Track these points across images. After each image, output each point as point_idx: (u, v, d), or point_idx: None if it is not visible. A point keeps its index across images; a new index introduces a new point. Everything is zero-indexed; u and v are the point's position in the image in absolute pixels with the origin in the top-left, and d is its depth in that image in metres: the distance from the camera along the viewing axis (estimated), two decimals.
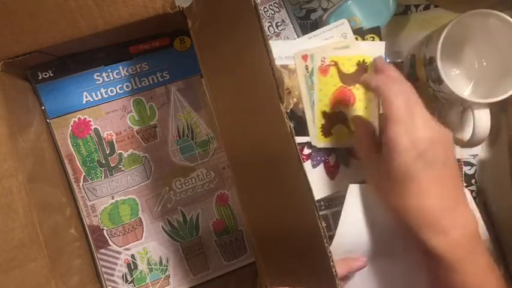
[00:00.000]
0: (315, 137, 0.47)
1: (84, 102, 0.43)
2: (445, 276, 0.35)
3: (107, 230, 0.44)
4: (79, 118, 0.43)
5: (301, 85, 0.47)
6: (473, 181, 0.53)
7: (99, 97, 0.43)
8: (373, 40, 0.47)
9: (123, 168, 0.44)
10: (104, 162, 0.44)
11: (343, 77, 0.47)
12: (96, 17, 0.35)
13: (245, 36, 0.30)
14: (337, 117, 0.47)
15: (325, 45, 0.47)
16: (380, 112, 0.46)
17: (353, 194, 0.44)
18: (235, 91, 0.33)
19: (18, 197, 0.35)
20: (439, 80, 0.43)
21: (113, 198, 0.44)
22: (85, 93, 0.43)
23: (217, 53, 0.34)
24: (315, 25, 0.52)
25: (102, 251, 0.44)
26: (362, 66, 0.46)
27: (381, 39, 0.47)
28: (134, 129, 0.44)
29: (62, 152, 0.43)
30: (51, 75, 0.42)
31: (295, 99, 0.47)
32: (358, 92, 0.47)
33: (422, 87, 0.47)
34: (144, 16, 0.35)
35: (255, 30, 0.27)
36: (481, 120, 0.43)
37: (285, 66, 0.47)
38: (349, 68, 0.47)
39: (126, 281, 0.45)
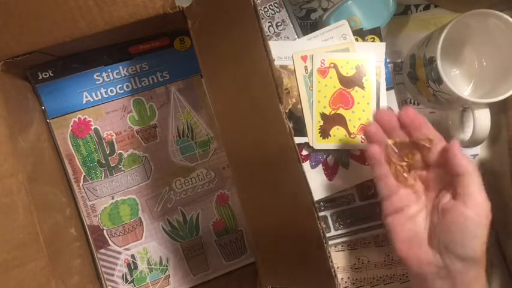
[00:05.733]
0: (313, 138, 0.47)
1: (84, 102, 0.43)
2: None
3: (107, 230, 0.44)
4: (79, 118, 0.43)
5: (299, 85, 0.47)
6: None
7: (99, 97, 0.43)
8: (373, 41, 0.47)
9: (123, 168, 0.44)
10: (104, 162, 0.44)
11: (342, 80, 0.47)
12: (96, 17, 0.35)
13: (244, 36, 0.30)
14: (335, 119, 0.47)
15: (325, 47, 0.47)
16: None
17: None
18: (235, 91, 0.33)
19: (18, 197, 0.35)
20: (439, 80, 0.43)
21: (112, 198, 0.44)
22: (85, 93, 0.43)
23: (217, 53, 0.34)
24: (315, 25, 0.52)
25: (102, 251, 0.44)
26: (361, 69, 0.46)
27: (381, 40, 0.47)
28: (134, 129, 0.44)
29: (62, 152, 0.43)
30: (51, 75, 0.42)
31: (294, 100, 0.47)
32: (356, 95, 0.47)
33: (422, 87, 0.47)
34: (144, 16, 0.35)
35: (254, 30, 0.27)
36: (481, 120, 0.43)
37: (285, 67, 0.47)
38: (348, 71, 0.47)
39: (126, 281, 0.45)
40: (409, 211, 0.38)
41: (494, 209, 0.34)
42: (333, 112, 0.47)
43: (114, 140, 0.44)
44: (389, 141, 0.39)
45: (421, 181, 0.39)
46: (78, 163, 0.43)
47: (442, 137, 0.37)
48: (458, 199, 0.34)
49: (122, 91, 0.44)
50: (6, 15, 0.34)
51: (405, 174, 0.39)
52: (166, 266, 0.45)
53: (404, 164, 0.39)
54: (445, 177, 0.37)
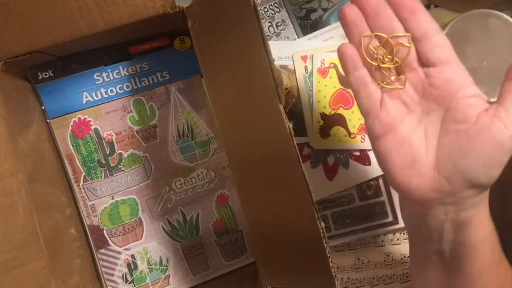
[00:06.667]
0: (314, 138, 0.47)
1: (84, 102, 0.43)
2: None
3: (107, 230, 0.44)
4: (79, 118, 0.43)
5: (299, 85, 0.47)
6: None
7: (99, 97, 0.43)
8: None
9: (123, 168, 0.44)
10: (104, 162, 0.44)
11: (342, 80, 0.47)
12: (96, 17, 0.35)
13: (244, 36, 0.30)
14: (335, 119, 0.47)
15: (325, 47, 0.47)
16: None
17: None
18: (235, 91, 0.33)
19: (18, 197, 0.35)
20: None
21: (112, 198, 0.44)
22: (85, 93, 0.43)
23: (217, 53, 0.34)
24: (315, 25, 0.52)
25: (102, 251, 0.44)
26: None
27: None
28: (134, 129, 0.44)
29: (62, 152, 0.43)
30: (51, 75, 0.42)
31: (294, 100, 0.47)
32: None
33: None
34: (144, 16, 0.35)
35: (254, 30, 0.27)
36: None
37: (285, 67, 0.47)
38: None
39: (126, 281, 0.45)
40: (402, 129, 0.30)
41: (494, 208, 0.33)
42: (333, 112, 0.47)
43: (114, 140, 0.44)
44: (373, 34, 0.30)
45: (413, 87, 0.30)
46: (78, 163, 0.43)
47: (439, 27, 0.29)
48: (495, 115, 0.27)
49: (122, 91, 0.44)
50: (6, 15, 0.34)
51: (393, 78, 0.30)
52: (166, 266, 0.45)
53: (391, 64, 0.30)
54: (450, 82, 0.28)
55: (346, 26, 0.31)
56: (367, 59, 0.30)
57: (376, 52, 0.30)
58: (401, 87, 0.30)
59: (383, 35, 0.29)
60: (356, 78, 0.30)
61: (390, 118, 0.30)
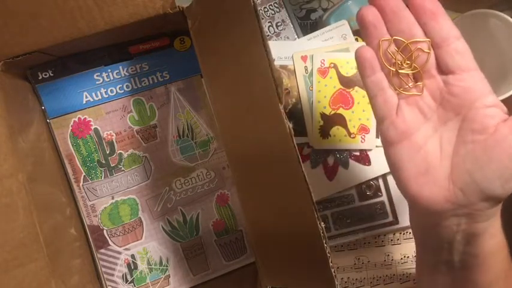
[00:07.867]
0: (314, 138, 0.47)
1: (84, 102, 0.43)
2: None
3: (107, 230, 0.44)
4: (79, 118, 0.43)
5: (299, 85, 0.47)
6: None
7: (99, 97, 0.43)
8: None
9: (123, 168, 0.44)
10: (104, 162, 0.44)
11: (342, 80, 0.47)
12: (96, 17, 0.35)
13: (244, 36, 0.30)
14: (335, 119, 0.47)
15: (325, 47, 0.47)
16: None
17: None
18: (235, 91, 0.33)
19: (18, 197, 0.35)
20: None
21: (112, 198, 0.44)
22: (85, 93, 0.43)
23: (217, 53, 0.34)
24: (315, 25, 0.52)
25: (102, 251, 0.44)
26: None
27: None
28: (134, 129, 0.44)
29: (62, 152, 0.43)
30: (51, 75, 0.42)
31: (294, 100, 0.47)
32: (357, 95, 0.47)
33: None
34: (144, 16, 0.35)
35: (254, 30, 0.27)
36: None
37: (285, 67, 0.47)
38: (348, 71, 0.47)
39: (126, 281, 0.45)
40: (418, 137, 0.29)
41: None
42: (333, 112, 0.47)
43: (114, 140, 0.44)
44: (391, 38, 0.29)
45: (430, 94, 0.29)
46: (78, 163, 0.43)
47: (460, 33, 0.29)
48: None
49: (122, 91, 0.44)
50: (6, 15, 0.34)
51: (410, 85, 0.29)
52: (166, 266, 0.45)
53: (409, 69, 0.29)
54: (469, 90, 0.28)
55: (364, 29, 0.30)
56: (385, 64, 0.29)
57: (394, 57, 0.29)
58: (419, 94, 0.29)
59: (402, 39, 0.29)
60: (373, 82, 0.30)
61: (406, 125, 0.29)
